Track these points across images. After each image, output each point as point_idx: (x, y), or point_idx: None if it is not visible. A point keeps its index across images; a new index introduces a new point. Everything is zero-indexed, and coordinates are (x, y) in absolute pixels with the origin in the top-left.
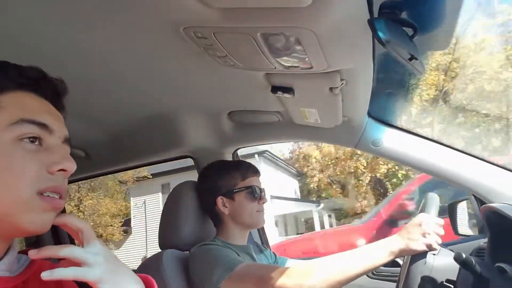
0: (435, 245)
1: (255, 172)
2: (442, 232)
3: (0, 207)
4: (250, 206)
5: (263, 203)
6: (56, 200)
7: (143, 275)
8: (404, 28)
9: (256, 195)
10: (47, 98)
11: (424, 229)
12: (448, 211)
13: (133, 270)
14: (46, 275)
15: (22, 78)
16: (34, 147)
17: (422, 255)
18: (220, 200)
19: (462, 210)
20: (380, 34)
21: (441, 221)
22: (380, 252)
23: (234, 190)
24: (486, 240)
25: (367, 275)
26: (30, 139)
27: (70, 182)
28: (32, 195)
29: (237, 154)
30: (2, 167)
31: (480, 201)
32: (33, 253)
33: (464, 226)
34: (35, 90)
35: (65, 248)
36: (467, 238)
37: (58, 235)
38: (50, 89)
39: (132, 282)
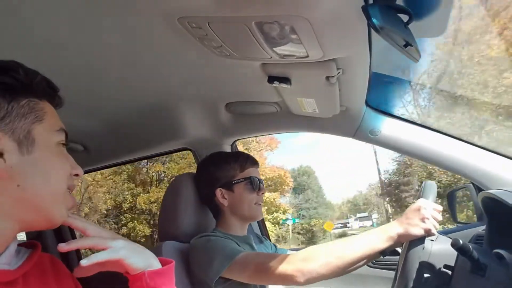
0: (433, 230)
1: (254, 163)
2: (440, 217)
3: (45, 201)
4: (249, 197)
5: (262, 193)
6: (73, 198)
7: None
8: (399, 14)
9: (255, 186)
10: (56, 107)
11: (423, 214)
12: (447, 200)
13: None
14: (84, 262)
15: (52, 91)
16: (66, 152)
17: (420, 240)
18: (219, 191)
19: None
20: (374, 20)
21: (439, 207)
22: (379, 237)
23: (233, 182)
24: (484, 227)
25: (367, 265)
26: (63, 146)
27: None
28: (65, 190)
29: (235, 145)
30: (49, 165)
31: (479, 189)
32: (63, 246)
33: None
34: (52, 101)
35: (90, 240)
36: (466, 226)
37: (59, 228)
38: (58, 103)
39: (151, 257)
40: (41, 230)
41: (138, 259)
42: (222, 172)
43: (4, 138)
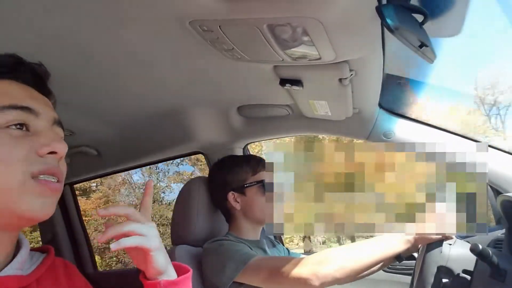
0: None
1: (265, 166)
2: None
3: None
4: (262, 200)
5: None
6: (53, 184)
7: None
8: (413, 14)
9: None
10: (29, 83)
11: None
12: None
13: None
14: (114, 246)
15: (3, 66)
16: (21, 133)
17: (437, 243)
18: (231, 195)
19: None
20: (389, 21)
21: None
22: (396, 239)
23: (245, 185)
24: (503, 231)
25: (383, 269)
26: (17, 126)
27: (82, 180)
28: (25, 179)
29: (247, 149)
30: None
31: (497, 191)
32: (100, 237)
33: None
34: (15, 77)
35: (126, 224)
36: None
37: (73, 231)
38: (30, 74)
39: (169, 261)
40: (28, 226)
41: (162, 256)
42: (234, 176)
43: None
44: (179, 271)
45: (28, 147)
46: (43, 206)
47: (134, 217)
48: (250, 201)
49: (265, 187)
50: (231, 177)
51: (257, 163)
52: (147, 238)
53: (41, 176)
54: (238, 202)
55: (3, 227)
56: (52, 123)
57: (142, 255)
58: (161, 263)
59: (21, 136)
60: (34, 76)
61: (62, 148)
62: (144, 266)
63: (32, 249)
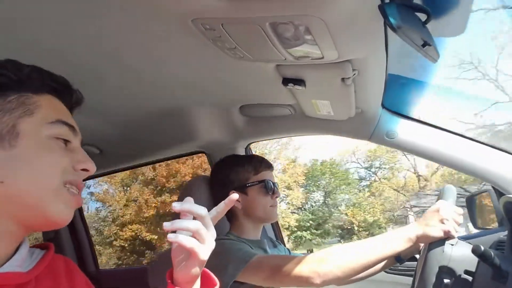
0: (453, 232)
1: (268, 166)
2: (461, 220)
3: (33, 197)
4: (263, 200)
5: (276, 197)
6: (77, 196)
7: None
8: (416, 13)
9: (269, 189)
10: (67, 105)
11: (442, 215)
12: (467, 204)
13: (147, 265)
14: (172, 237)
15: (54, 84)
16: (64, 146)
17: (439, 243)
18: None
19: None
20: (392, 19)
21: (460, 209)
22: (397, 238)
23: (247, 184)
24: (506, 233)
25: (384, 271)
26: (62, 140)
27: (85, 179)
28: (60, 184)
29: (249, 148)
30: (38, 159)
31: (500, 193)
32: (167, 225)
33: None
34: (61, 97)
35: (196, 224)
36: (487, 231)
37: (75, 230)
38: (72, 98)
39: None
40: (47, 230)
41: (199, 269)
42: (235, 175)
43: None
44: (206, 282)
45: (69, 160)
46: (68, 213)
47: (205, 221)
48: (252, 200)
49: (266, 187)
50: (233, 176)
51: (260, 162)
52: (204, 247)
53: (67, 185)
54: (239, 202)
55: (24, 226)
56: (81, 144)
57: (186, 258)
58: (196, 274)
59: (64, 149)
60: (75, 101)
61: (93, 167)
62: (180, 269)
63: (32, 246)
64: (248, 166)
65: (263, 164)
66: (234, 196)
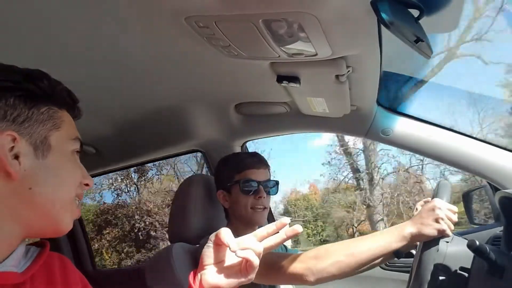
0: (448, 231)
1: (253, 164)
2: (455, 218)
3: (54, 206)
4: (243, 200)
5: (259, 198)
6: (79, 208)
7: None
8: (409, 9)
9: (248, 189)
10: (74, 119)
11: (437, 214)
12: (463, 200)
13: (144, 262)
14: (234, 247)
15: (70, 100)
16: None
17: (434, 242)
18: (220, 193)
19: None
20: (384, 16)
21: (455, 207)
22: (392, 236)
23: (229, 184)
24: (502, 228)
25: (380, 266)
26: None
27: None
28: (74, 197)
29: (246, 146)
30: (64, 173)
31: (496, 189)
32: (238, 251)
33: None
34: (71, 113)
35: (260, 246)
36: (482, 227)
37: (72, 230)
38: (76, 114)
39: None
40: (49, 237)
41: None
42: (222, 174)
43: (21, 141)
44: None
45: (81, 175)
46: (71, 223)
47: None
48: (235, 200)
49: (240, 187)
50: (221, 175)
51: (244, 161)
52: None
53: (76, 197)
54: (227, 201)
55: (29, 231)
56: None
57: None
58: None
59: (78, 164)
60: (77, 117)
61: (93, 183)
62: (227, 277)
63: (29, 244)
64: (232, 164)
65: (246, 162)
66: (286, 220)
